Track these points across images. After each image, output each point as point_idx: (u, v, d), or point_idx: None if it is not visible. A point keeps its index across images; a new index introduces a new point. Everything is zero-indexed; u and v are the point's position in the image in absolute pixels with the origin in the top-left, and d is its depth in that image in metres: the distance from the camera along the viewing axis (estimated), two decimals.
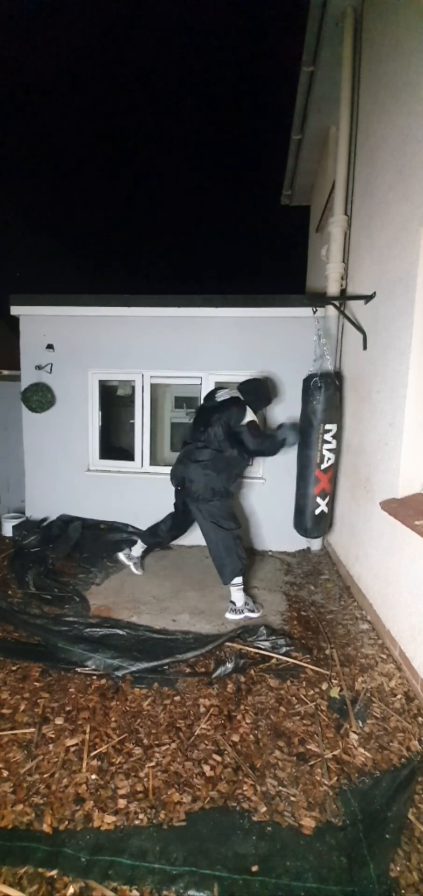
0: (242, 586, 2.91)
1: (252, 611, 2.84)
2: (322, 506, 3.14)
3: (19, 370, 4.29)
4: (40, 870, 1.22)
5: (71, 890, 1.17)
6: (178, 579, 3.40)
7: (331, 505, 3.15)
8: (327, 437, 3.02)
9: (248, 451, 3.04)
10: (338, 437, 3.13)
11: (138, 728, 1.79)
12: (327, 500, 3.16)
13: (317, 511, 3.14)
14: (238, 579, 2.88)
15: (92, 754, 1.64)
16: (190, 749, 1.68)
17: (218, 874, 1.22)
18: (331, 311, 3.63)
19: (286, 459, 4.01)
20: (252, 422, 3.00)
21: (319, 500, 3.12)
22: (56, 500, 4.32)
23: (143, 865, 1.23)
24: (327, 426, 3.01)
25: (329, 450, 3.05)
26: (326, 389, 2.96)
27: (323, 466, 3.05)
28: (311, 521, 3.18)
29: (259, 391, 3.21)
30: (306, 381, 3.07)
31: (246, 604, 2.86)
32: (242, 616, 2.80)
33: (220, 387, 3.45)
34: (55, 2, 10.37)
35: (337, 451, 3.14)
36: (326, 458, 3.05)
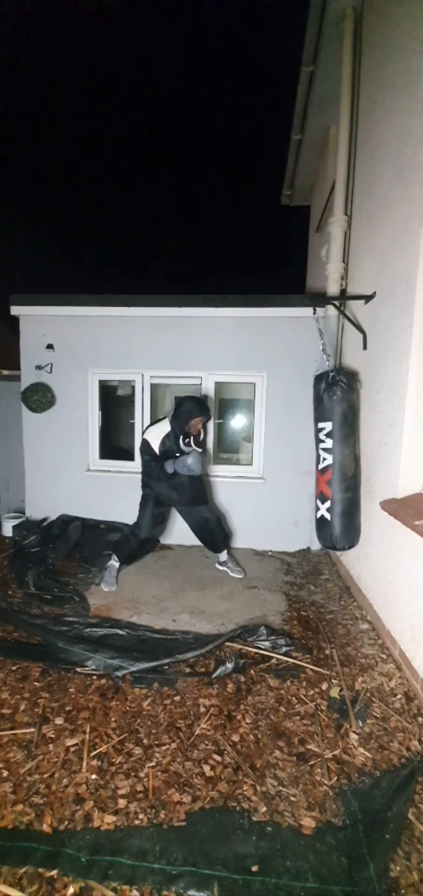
0: (116, 566, 3.35)
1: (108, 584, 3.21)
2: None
3: (19, 370, 4.29)
4: (40, 870, 1.22)
5: (71, 890, 1.17)
6: (178, 579, 3.40)
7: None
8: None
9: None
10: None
11: (138, 728, 1.79)
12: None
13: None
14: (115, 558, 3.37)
15: (92, 754, 1.65)
16: (190, 749, 1.68)
17: (218, 874, 1.22)
18: (331, 311, 3.63)
19: (286, 459, 4.03)
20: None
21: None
22: (56, 500, 4.32)
23: (143, 865, 1.23)
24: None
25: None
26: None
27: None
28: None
29: (177, 411, 3.19)
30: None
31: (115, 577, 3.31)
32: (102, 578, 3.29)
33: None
34: (55, 1, 10.39)
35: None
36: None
